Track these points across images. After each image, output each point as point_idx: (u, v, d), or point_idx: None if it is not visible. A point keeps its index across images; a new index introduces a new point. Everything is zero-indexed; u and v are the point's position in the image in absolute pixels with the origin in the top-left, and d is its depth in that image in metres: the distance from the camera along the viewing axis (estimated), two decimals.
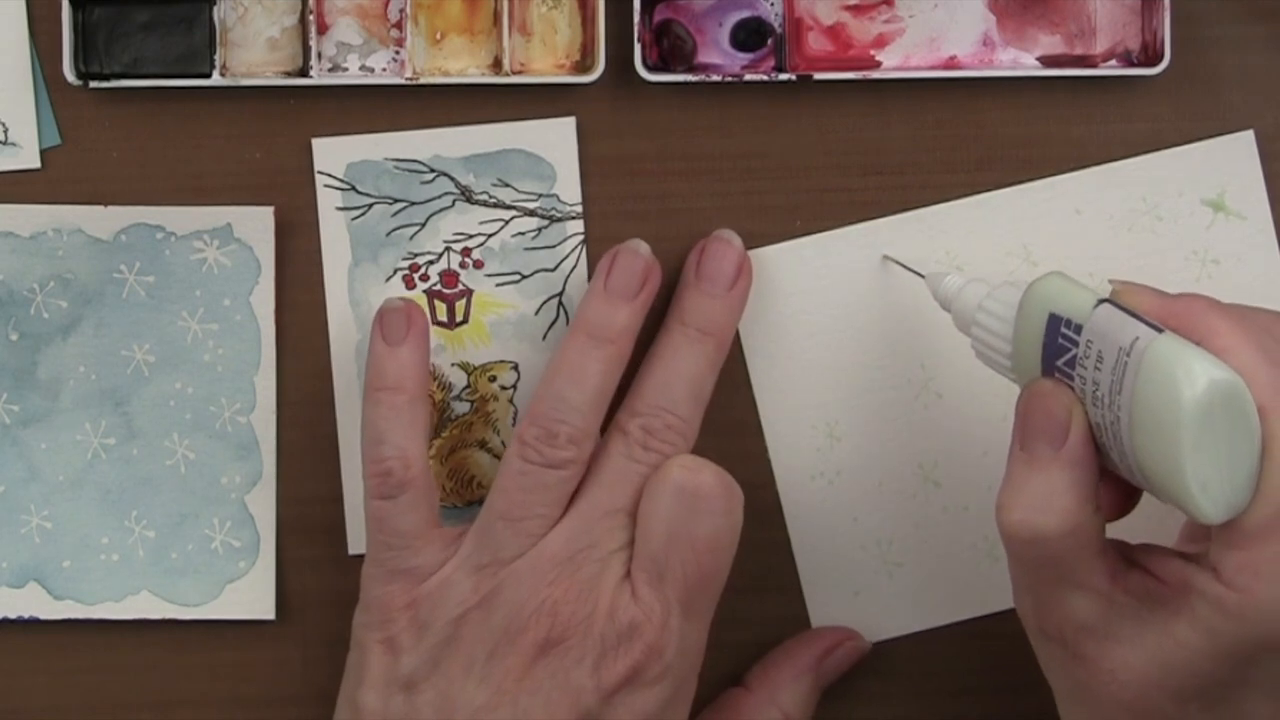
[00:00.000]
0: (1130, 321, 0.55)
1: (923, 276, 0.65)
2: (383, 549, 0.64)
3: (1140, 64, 0.68)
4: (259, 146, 0.68)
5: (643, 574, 0.63)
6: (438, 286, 0.69)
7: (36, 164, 0.68)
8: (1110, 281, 0.59)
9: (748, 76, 0.68)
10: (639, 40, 0.67)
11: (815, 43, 0.68)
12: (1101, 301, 0.56)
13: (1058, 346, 0.57)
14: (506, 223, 0.69)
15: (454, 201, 0.68)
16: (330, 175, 0.68)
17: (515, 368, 0.69)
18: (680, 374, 0.65)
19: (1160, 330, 0.55)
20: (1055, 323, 0.57)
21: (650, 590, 0.63)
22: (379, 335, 0.65)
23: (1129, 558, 0.59)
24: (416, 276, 0.69)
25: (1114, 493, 0.58)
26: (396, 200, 0.68)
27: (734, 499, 0.63)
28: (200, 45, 0.67)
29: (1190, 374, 0.54)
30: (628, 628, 0.62)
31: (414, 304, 0.66)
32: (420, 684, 0.63)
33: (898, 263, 0.68)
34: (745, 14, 0.68)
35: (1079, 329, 0.56)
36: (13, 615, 0.69)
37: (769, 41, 0.68)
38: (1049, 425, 0.57)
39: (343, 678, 0.65)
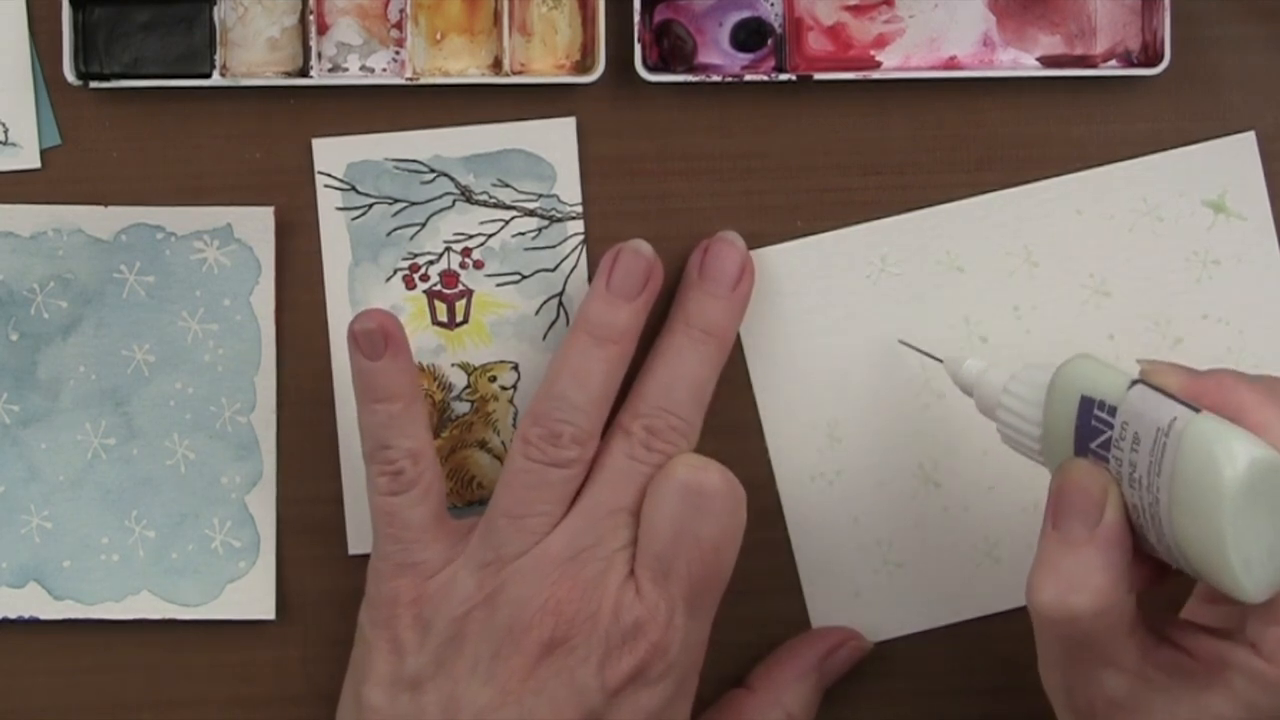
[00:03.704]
0: (1166, 402, 0.55)
1: (940, 361, 0.65)
2: (390, 542, 0.64)
3: (1140, 64, 0.68)
4: (259, 146, 0.68)
5: (647, 572, 0.63)
6: (438, 286, 0.69)
7: (36, 164, 0.68)
8: (1139, 361, 0.59)
9: (748, 76, 0.68)
10: (639, 40, 0.67)
11: (815, 43, 0.68)
12: (1135, 383, 0.56)
13: (1091, 429, 0.57)
14: (506, 223, 0.69)
15: (454, 201, 0.68)
16: (330, 175, 0.68)
17: (515, 368, 0.69)
18: (683, 375, 0.65)
19: (1197, 410, 0.55)
20: (1088, 405, 0.57)
21: (655, 588, 0.63)
22: (358, 352, 0.65)
23: (1158, 632, 0.58)
24: (416, 276, 0.69)
25: (1145, 570, 0.58)
26: (396, 200, 0.68)
27: (738, 498, 0.63)
28: (200, 45, 0.67)
29: (1231, 453, 0.53)
30: (632, 626, 0.62)
31: (385, 315, 0.65)
32: (425, 684, 0.63)
33: (914, 348, 0.67)
34: (745, 14, 0.68)
35: (1113, 410, 0.56)
36: (13, 615, 0.69)
37: (769, 41, 0.68)
38: (1085, 505, 0.57)
39: (348, 671, 0.66)
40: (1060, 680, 0.59)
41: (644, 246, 0.66)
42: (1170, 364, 0.58)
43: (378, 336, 0.64)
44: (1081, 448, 0.58)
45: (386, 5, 0.68)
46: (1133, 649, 0.57)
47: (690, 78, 0.68)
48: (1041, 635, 0.59)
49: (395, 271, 0.69)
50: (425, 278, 0.69)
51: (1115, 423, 0.56)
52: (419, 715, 0.63)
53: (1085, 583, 0.56)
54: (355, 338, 0.64)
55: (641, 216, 0.69)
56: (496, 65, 0.68)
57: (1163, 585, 0.59)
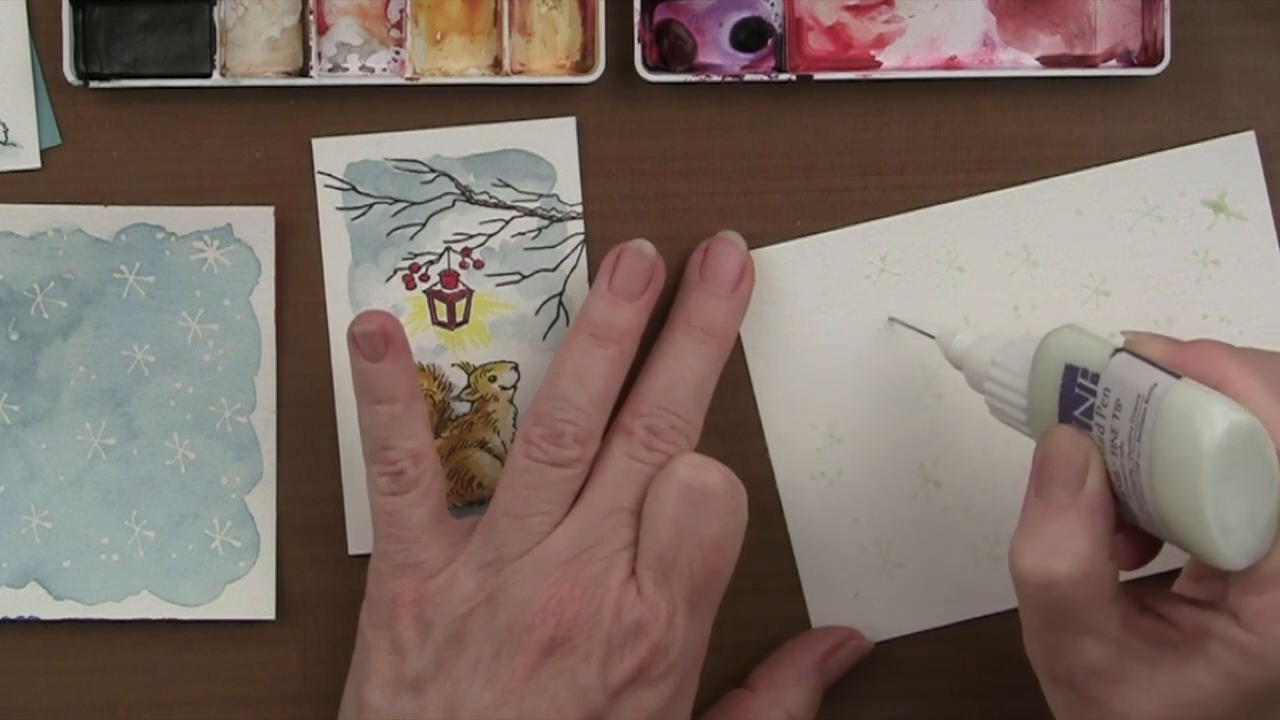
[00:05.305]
0: (1148, 369, 0.56)
1: (932, 337, 0.66)
2: (391, 543, 0.64)
3: (1140, 64, 0.68)
4: (259, 146, 0.68)
5: (649, 572, 0.63)
6: (438, 286, 0.69)
7: (36, 164, 0.68)
8: (1123, 333, 0.59)
9: (748, 76, 0.68)
10: (639, 40, 0.67)
11: (815, 43, 0.68)
12: (1118, 350, 0.57)
13: (1075, 396, 0.57)
14: (507, 223, 0.69)
15: (454, 201, 0.68)
16: (330, 175, 0.68)
17: (515, 368, 0.69)
18: (684, 375, 0.65)
19: (1178, 376, 0.55)
20: (1072, 373, 0.57)
21: (656, 588, 0.63)
22: (358, 354, 0.65)
23: (1140, 602, 0.59)
24: (416, 276, 0.69)
25: (1131, 544, 0.58)
26: (397, 200, 0.68)
27: (740, 498, 0.64)
28: (200, 45, 0.67)
29: (1209, 418, 0.54)
30: (634, 626, 0.62)
31: (385, 316, 0.65)
32: (427, 684, 0.63)
33: (905, 324, 0.68)
34: (745, 14, 0.68)
35: (1096, 378, 0.57)
36: (13, 615, 0.69)
37: (769, 41, 0.68)
38: (1066, 471, 0.57)
39: (349, 674, 0.66)
40: (1041, 648, 0.59)
41: (646, 246, 0.66)
42: (1153, 334, 0.59)
43: (378, 338, 0.64)
44: (1065, 416, 0.58)
45: (386, 5, 0.68)
46: (1113, 617, 0.57)
47: (690, 78, 0.68)
48: (1023, 602, 0.59)
49: (395, 271, 0.69)
50: (425, 278, 0.69)
51: (1098, 390, 0.57)
52: (420, 715, 0.63)
53: (1066, 548, 0.56)
54: (355, 340, 0.64)
55: (641, 216, 0.69)
56: (496, 65, 0.68)
57: (1145, 562, 0.59)
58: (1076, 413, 0.58)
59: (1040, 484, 0.58)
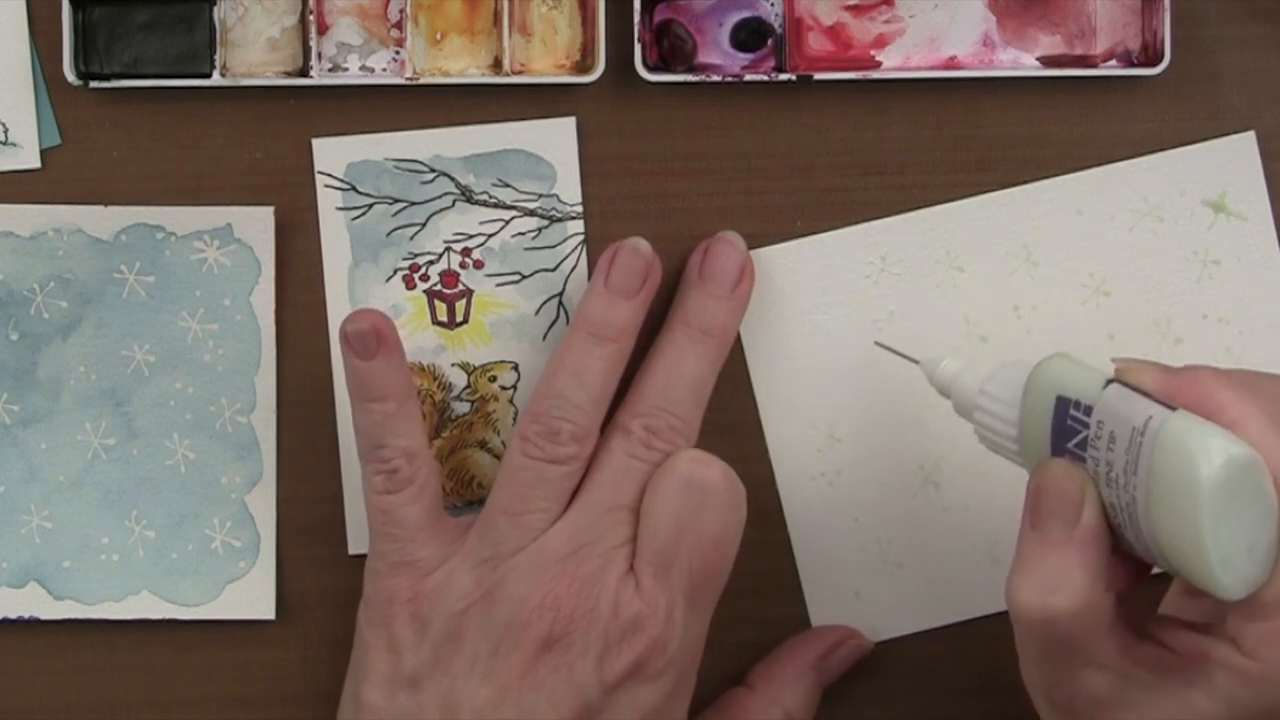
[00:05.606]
0: (1141, 401, 0.55)
1: (917, 362, 0.65)
2: (387, 541, 0.64)
3: (1140, 64, 0.68)
4: (259, 146, 0.68)
5: (648, 567, 0.63)
6: (438, 286, 0.69)
7: (36, 164, 0.68)
8: (1114, 360, 0.58)
9: (748, 76, 0.68)
10: (639, 40, 0.67)
11: (815, 43, 0.68)
12: (1110, 382, 0.56)
13: (1067, 428, 0.57)
14: (507, 223, 0.69)
15: (454, 201, 0.68)
16: (330, 175, 0.68)
17: (515, 368, 0.69)
18: (682, 374, 0.65)
19: (1173, 409, 0.54)
20: (1064, 405, 0.57)
21: (655, 583, 0.63)
22: (351, 353, 0.64)
23: (1139, 629, 0.58)
24: (416, 276, 0.69)
25: (1123, 569, 0.58)
26: (397, 200, 0.68)
27: (739, 495, 0.64)
28: (200, 45, 0.67)
29: (1206, 451, 0.53)
30: (632, 622, 0.62)
31: (377, 314, 0.64)
32: (424, 681, 0.63)
33: (889, 349, 0.67)
34: (745, 14, 0.68)
35: (1089, 410, 0.56)
36: (13, 615, 0.69)
37: (769, 41, 0.68)
38: (1062, 505, 0.57)
39: (347, 673, 0.66)
40: (1040, 678, 0.59)
41: (642, 244, 0.66)
42: (1145, 362, 0.58)
43: (370, 337, 0.64)
44: (1058, 448, 0.57)
45: (386, 5, 0.68)
46: (1113, 647, 0.57)
47: (690, 78, 0.68)
48: (1021, 635, 0.58)
49: (395, 271, 0.69)
50: (425, 278, 0.69)
51: (1091, 422, 0.56)
52: (418, 713, 0.63)
53: (1064, 583, 0.56)
54: (347, 338, 0.64)
55: (641, 216, 0.69)
56: (496, 65, 0.68)
57: (1142, 585, 0.59)
58: (1069, 445, 0.57)
59: (1036, 518, 0.57)
